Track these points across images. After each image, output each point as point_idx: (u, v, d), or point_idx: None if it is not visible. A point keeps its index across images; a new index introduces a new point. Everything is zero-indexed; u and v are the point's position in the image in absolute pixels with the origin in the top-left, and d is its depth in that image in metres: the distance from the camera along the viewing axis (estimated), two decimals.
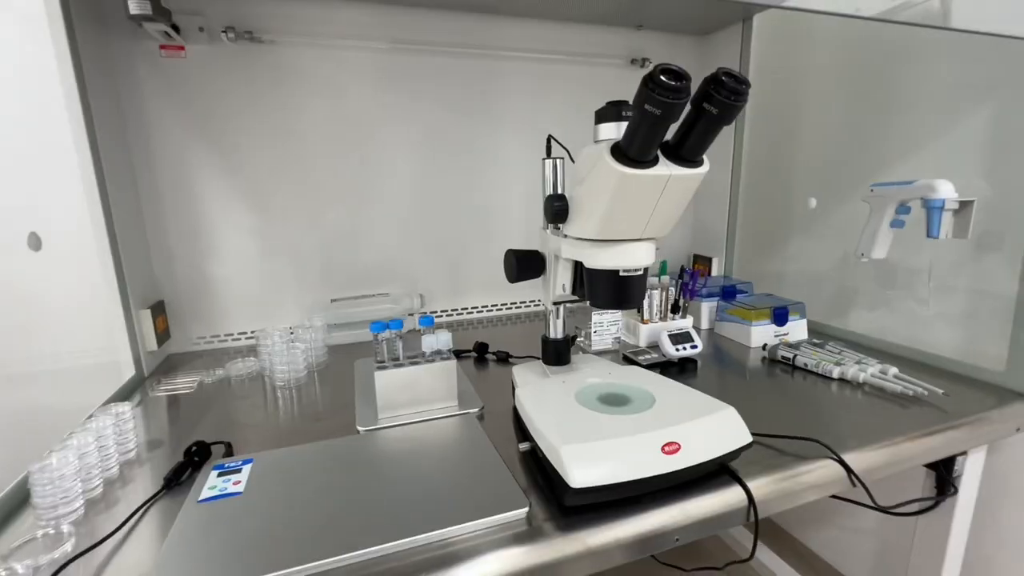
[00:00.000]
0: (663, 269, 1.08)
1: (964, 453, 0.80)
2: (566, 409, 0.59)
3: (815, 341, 0.98)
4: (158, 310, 0.96)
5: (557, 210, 0.56)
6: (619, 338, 1.02)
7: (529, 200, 1.26)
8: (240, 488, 0.55)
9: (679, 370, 0.90)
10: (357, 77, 1.06)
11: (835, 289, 1.10)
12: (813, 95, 1.13)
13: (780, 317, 1.01)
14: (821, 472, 0.60)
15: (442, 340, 0.75)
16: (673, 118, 0.43)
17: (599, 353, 0.99)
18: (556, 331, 0.77)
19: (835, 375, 0.83)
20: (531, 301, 1.31)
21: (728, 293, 1.14)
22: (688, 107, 0.46)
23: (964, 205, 0.80)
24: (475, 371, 0.94)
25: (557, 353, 0.76)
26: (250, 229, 1.05)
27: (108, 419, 0.61)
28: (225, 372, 0.91)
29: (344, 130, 1.08)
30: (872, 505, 0.79)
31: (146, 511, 0.54)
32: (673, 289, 1.04)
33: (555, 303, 0.72)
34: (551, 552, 0.48)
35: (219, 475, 0.58)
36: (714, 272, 1.35)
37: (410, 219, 1.16)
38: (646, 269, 0.58)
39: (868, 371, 0.82)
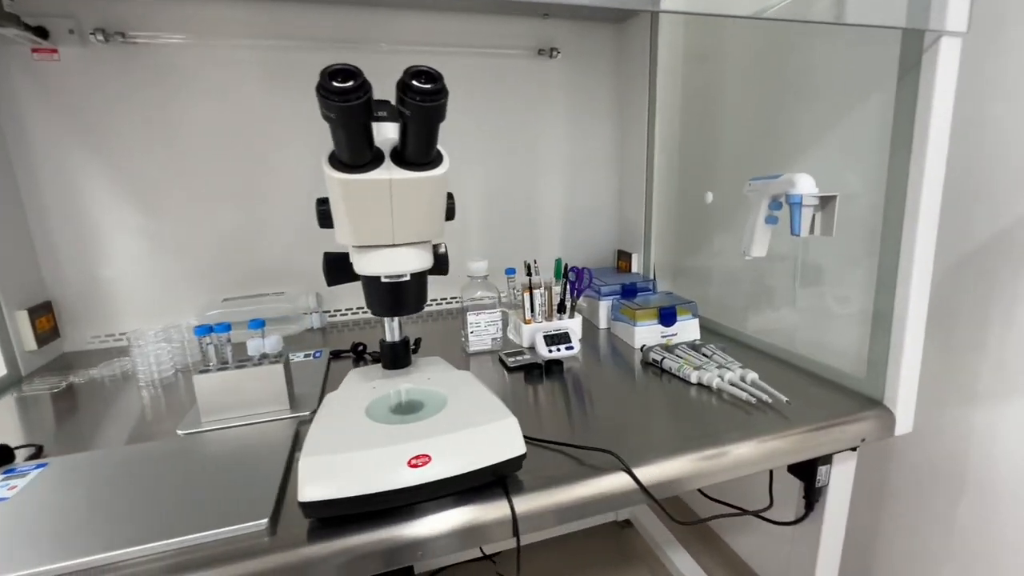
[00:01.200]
0: (557, 267, 1.05)
1: (828, 462, 0.76)
2: (345, 418, 0.58)
3: (697, 343, 0.94)
4: (42, 310, 0.98)
5: (321, 214, 0.54)
6: (499, 338, 0.99)
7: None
8: (12, 493, 0.56)
9: (544, 372, 0.88)
10: (242, 76, 1.05)
11: (750, 288, 1.04)
12: (732, 82, 1.07)
13: (667, 317, 0.98)
14: (613, 483, 0.58)
15: (270, 344, 0.74)
16: (357, 119, 0.40)
17: (476, 354, 0.98)
18: (392, 334, 0.75)
19: (693, 380, 0.80)
20: (441, 299, 1.29)
21: (628, 291, 1.10)
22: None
23: (826, 201, 0.75)
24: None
25: (393, 357, 0.75)
26: (139, 229, 1.06)
27: None
28: (98, 372, 0.93)
29: (233, 129, 1.07)
30: (736, 511, 0.76)
31: None
32: (558, 288, 1.01)
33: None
34: (265, 565, 0.47)
35: (2, 479, 0.58)
36: (634, 268, 1.31)
37: (307, 218, 1.15)
38: (418, 275, 0.56)
39: (726, 377, 0.78)
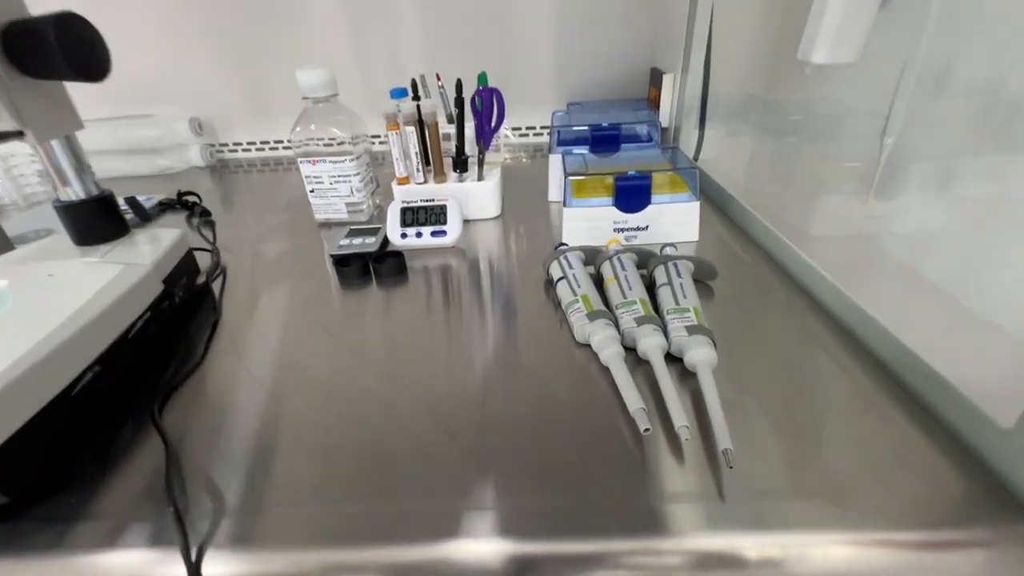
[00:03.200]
0: (481, 82, 0.60)
1: None
2: None
3: (667, 254, 0.47)
4: None
5: None
6: (365, 205, 0.63)
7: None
8: None
9: (371, 271, 0.52)
10: None
11: (870, 155, 0.48)
12: None
13: (628, 195, 0.51)
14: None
15: None
16: None
17: (327, 226, 0.64)
18: (72, 190, 0.44)
19: (577, 337, 0.39)
20: (373, 136, 0.92)
21: (602, 140, 0.63)
22: None
23: None
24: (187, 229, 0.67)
25: (76, 226, 0.46)
26: None
27: None
28: None
29: None
30: None
31: None
32: (449, 128, 0.59)
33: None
34: None
35: None
36: (664, 101, 0.78)
37: (180, 15, 0.82)
38: None
39: (641, 344, 0.35)
